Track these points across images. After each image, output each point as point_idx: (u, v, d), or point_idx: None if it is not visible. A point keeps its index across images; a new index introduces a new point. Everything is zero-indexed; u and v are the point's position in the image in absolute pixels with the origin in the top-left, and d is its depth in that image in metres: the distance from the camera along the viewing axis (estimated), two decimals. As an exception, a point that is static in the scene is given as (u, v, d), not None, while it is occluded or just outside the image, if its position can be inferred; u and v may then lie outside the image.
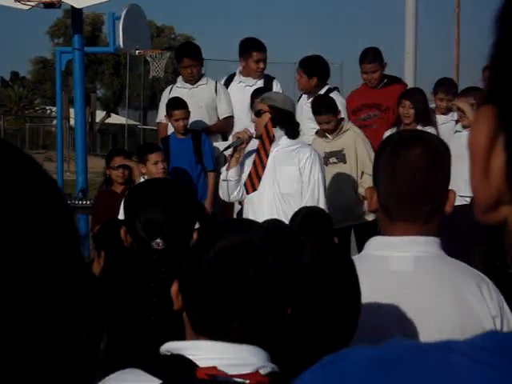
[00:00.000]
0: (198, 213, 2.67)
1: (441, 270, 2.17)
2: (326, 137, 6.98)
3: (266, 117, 5.61)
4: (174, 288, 1.66)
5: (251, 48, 7.64)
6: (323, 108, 6.87)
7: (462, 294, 2.12)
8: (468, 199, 6.86)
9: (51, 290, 0.74)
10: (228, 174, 5.74)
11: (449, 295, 2.12)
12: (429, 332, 2.08)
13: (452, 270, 2.18)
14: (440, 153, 2.19)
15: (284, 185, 5.64)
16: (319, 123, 6.93)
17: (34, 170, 0.78)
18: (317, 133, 7.08)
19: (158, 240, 2.48)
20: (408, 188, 2.15)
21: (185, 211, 2.53)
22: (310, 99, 7.38)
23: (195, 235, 2.46)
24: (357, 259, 2.24)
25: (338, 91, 7.80)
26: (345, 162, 6.98)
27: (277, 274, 1.56)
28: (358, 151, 6.96)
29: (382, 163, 2.21)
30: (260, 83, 7.61)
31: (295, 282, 1.63)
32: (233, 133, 6.60)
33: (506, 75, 0.69)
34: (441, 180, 2.18)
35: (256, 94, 7.07)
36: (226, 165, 5.88)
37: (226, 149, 5.94)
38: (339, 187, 6.93)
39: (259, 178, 5.68)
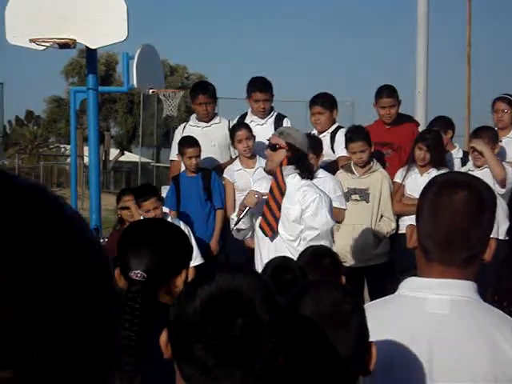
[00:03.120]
0: (189, 253, 2.71)
1: (476, 314, 2.14)
2: (353, 173, 6.98)
3: (282, 154, 5.44)
4: (163, 337, 1.61)
5: (252, 88, 7.59)
6: (359, 135, 6.87)
7: (496, 341, 2.09)
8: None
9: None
10: (239, 223, 5.61)
11: (484, 341, 2.09)
12: (462, 377, 2.06)
13: (487, 316, 2.16)
14: (485, 200, 2.15)
15: (289, 228, 5.50)
16: (353, 152, 6.89)
17: (77, 234, 0.78)
18: (342, 167, 7.10)
19: (138, 271, 2.51)
20: (447, 232, 2.12)
21: (171, 250, 2.59)
22: (322, 135, 7.41)
23: (183, 275, 2.55)
24: (392, 299, 2.25)
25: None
26: (367, 202, 6.96)
27: (266, 323, 1.52)
28: (382, 193, 6.95)
29: (425, 202, 2.17)
30: (271, 121, 7.60)
31: (287, 330, 1.59)
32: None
33: None
34: (483, 228, 2.14)
35: (235, 128, 7.21)
36: (236, 212, 5.74)
37: (238, 222, 5.66)
38: (358, 226, 6.92)
39: (277, 220, 5.48)
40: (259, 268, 5.32)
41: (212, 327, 1.51)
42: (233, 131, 7.24)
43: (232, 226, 5.76)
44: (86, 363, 0.76)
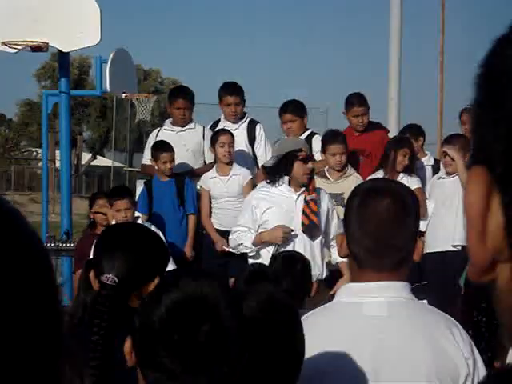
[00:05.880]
0: (164, 260, 2.69)
1: (414, 314, 2.19)
2: (327, 178, 7.01)
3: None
4: (127, 345, 1.58)
5: (222, 93, 7.61)
6: (339, 137, 6.96)
7: (435, 338, 2.14)
8: (459, 247, 6.91)
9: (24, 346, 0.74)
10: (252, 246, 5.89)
11: (423, 339, 2.14)
12: (405, 377, 2.10)
13: (424, 314, 2.21)
14: (408, 204, 2.20)
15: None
16: (333, 154, 6.93)
17: (12, 226, 0.77)
18: (317, 174, 7.12)
19: (109, 275, 2.50)
20: (376, 239, 2.17)
21: (145, 255, 2.57)
22: None
23: (156, 281, 2.49)
24: (330, 306, 2.27)
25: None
26: (343, 206, 6.97)
27: (231, 328, 1.50)
28: None
29: (351, 212, 2.23)
30: (244, 126, 7.62)
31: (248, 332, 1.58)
32: None
33: (496, 136, 0.67)
34: (409, 231, 2.20)
35: (218, 132, 7.22)
36: (260, 245, 5.91)
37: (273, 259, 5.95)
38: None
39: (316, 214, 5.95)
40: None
41: (178, 334, 1.49)
42: (215, 135, 7.20)
43: (246, 252, 5.94)
44: (25, 352, 0.75)
